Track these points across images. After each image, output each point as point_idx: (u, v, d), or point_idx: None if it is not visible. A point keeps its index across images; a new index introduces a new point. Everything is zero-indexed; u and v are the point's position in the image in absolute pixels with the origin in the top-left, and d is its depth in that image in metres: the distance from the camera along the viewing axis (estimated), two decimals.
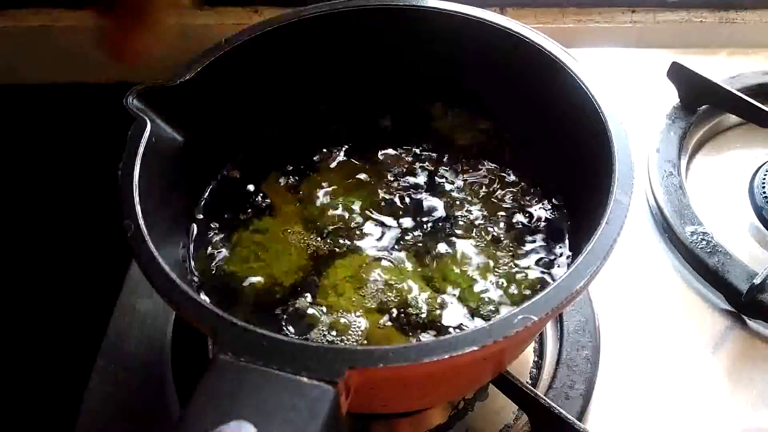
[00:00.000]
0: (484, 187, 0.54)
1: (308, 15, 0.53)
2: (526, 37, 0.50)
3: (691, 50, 0.79)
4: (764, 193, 0.65)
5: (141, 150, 0.42)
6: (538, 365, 0.56)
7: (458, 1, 0.54)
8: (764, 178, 0.66)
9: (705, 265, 0.59)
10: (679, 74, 0.70)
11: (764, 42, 0.82)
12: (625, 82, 0.77)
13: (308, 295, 0.47)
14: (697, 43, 0.82)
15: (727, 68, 0.74)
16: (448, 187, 0.54)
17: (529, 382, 0.54)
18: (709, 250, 0.60)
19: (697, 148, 0.72)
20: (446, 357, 0.33)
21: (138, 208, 0.39)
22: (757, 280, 0.56)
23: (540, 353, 0.56)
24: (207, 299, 0.47)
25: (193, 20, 0.80)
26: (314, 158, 0.56)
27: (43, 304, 0.86)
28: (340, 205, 0.52)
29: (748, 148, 0.71)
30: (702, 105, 0.71)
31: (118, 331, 0.59)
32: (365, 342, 0.45)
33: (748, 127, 0.70)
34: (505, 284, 0.47)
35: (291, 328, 0.46)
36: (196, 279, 0.49)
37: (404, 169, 0.55)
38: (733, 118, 0.72)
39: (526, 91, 0.52)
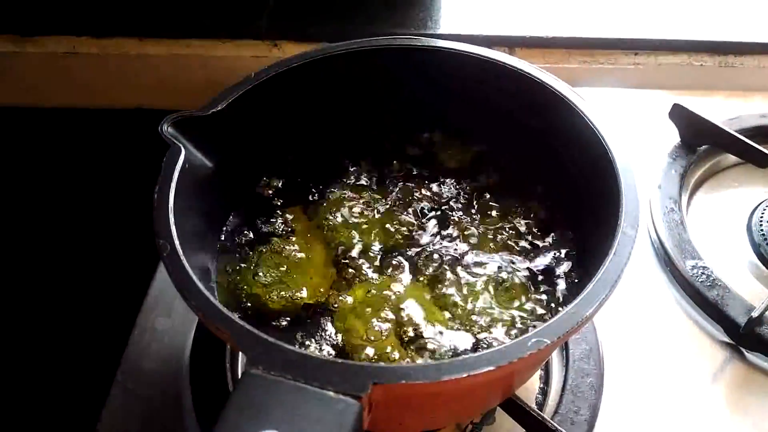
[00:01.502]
0: (494, 219, 0.56)
1: (330, 53, 0.56)
2: (537, 77, 0.53)
3: (691, 92, 0.82)
4: (762, 230, 0.67)
5: (176, 175, 0.45)
6: (544, 391, 0.57)
7: (470, 42, 0.57)
8: (762, 216, 0.69)
9: (705, 298, 0.61)
10: (680, 115, 0.73)
11: (762, 86, 0.84)
12: (628, 122, 0.79)
13: (327, 317, 0.50)
14: (698, 85, 0.84)
15: (726, 110, 0.77)
16: (459, 217, 0.56)
17: (536, 407, 0.56)
18: (708, 284, 0.62)
19: (698, 186, 0.74)
20: (465, 375, 0.35)
21: (173, 229, 0.42)
22: (755, 314, 0.58)
23: (546, 380, 0.58)
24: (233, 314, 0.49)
25: (213, 52, 0.83)
26: (334, 185, 0.59)
27: (64, 322, 0.87)
28: (359, 231, 0.55)
29: (746, 187, 0.74)
30: (702, 145, 0.73)
31: (137, 349, 0.61)
32: (381, 362, 0.47)
33: (746, 166, 0.73)
34: (513, 312, 0.50)
35: (311, 348, 0.48)
36: (219, 297, 0.51)
37: (420, 199, 0.57)
38: (731, 158, 0.74)
39: (537, 127, 0.55)
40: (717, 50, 0.85)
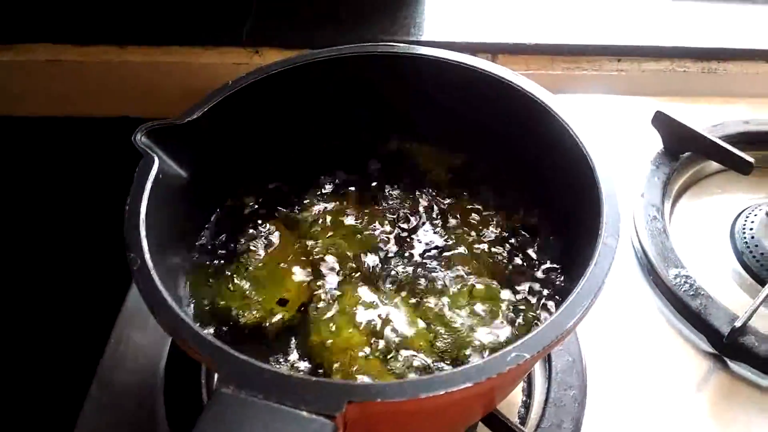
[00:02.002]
0: (474, 227, 0.55)
1: (310, 60, 0.55)
2: (516, 84, 0.52)
3: (674, 98, 0.82)
4: (745, 238, 0.67)
5: (148, 186, 0.44)
6: (527, 405, 0.57)
7: (453, 48, 0.56)
8: (745, 224, 0.68)
9: (688, 308, 0.61)
10: (662, 122, 0.73)
11: (745, 92, 0.84)
12: (611, 128, 0.79)
13: (304, 330, 0.48)
14: (681, 91, 0.84)
15: (709, 116, 0.77)
16: (439, 227, 0.55)
17: (518, 421, 0.55)
18: (692, 293, 0.61)
19: (681, 193, 0.74)
20: (442, 393, 0.34)
21: (144, 242, 0.41)
22: (738, 323, 0.57)
23: (528, 393, 0.57)
24: (208, 327, 0.48)
25: (195, 59, 0.82)
26: (312, 194, 0.57)
27: (38, 334, 0.86)
28: (337, 242, 0.54)
29: (729, 194, 0.74)
30: (685, 152, 0.73)
31: (112, 362, 0.60)
32: (361, 375, 0.46)
33: (729, 173, 0.72)
34: (494, 323, 0.49)
35: (286, 362, 0.47)
36: (193, 310, 0.50)
37: (399, 208, 0.56)
38: (714, 165, 0.74)
39: (518, 135, 0.54)
40: (700, 56, 0.85)
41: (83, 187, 0.89)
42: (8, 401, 0.81)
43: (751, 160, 0.68)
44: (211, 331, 0.48)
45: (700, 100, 0.83)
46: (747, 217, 0.69)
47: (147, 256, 0.40)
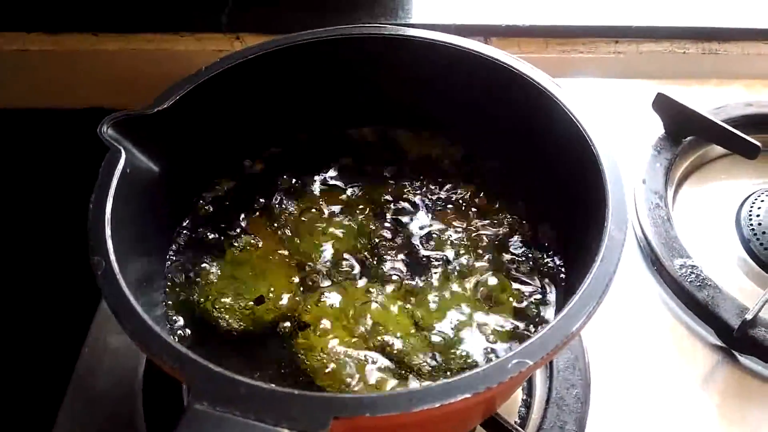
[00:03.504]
0: (473, 219, 0.52)
1: (288, 43, 0.52)
2: (515, 68, 0.50)
3: (674, 81, 0.79)
4: (751, 225, 0.64)
5: (114, 182, 0.41)
6: (527, 404, 0.54)
7: (444, 32, 0.53)
8: (751, 210, 0.66)
9: (695, 300, 0.58)
10: (664, 105, 0.70)
11: (746, 73, 0.82)
12: (609, 112, 0.76)
13: (289, 334, 0.45)
14: (681, 73, 0.82)
15: (710, 99, 0.74)
16: (435, 220, 0.52)
17: (518, 422, 0.52)
18: (698, 284, 0.58)
19: (683, 179, 0.71)
20: (437, 405, 0.31)
21: (110, 244, 0.37)
22: (749, 316, 0.55)
23: (529, 392, 0.54)
24: (185, 333, 0.45)
25: (173, 46, 0.79)
26: (295, 187, 0.54)
27: (9, 338, 0.83)
28: (324, 238, 0.51)
29: (734, 179, 0.71)
30: (687, 136, 0.70)
31: (88, 367, 0.57)
32: (347, 381, 0.43)
33: (734, 158, 0.70)
34: (493, 321, 0.46)
35: (271, 368, 0.44)
36: (172, 314, 0.46)
37: (389, 202, 0.53)
38: (718, 149, 0.72)
39: (515, 121, 0.51)
40: (700, 37, 0.82)
41: (55, 183, 0.85)
42: None
43: (758, 144, 0.65)
44: (189, 335, 0.45)
45: (701, 82, 0.80)
46: (753, 203, 0.66)
47: (113, 258, 0.37)
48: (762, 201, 0.66)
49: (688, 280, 0.59)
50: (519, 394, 0.54)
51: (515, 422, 0.51)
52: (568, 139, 0.45)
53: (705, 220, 0.67)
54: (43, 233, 0.86)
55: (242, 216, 0.52)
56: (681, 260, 0.60)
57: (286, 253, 0.50)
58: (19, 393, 0.77)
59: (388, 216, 0.53)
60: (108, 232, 0.38)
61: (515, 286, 0.48)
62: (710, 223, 0.67)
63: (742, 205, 0.67)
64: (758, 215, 0.65)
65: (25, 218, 0.88)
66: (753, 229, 0.64)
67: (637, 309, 0.60)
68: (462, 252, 0.50)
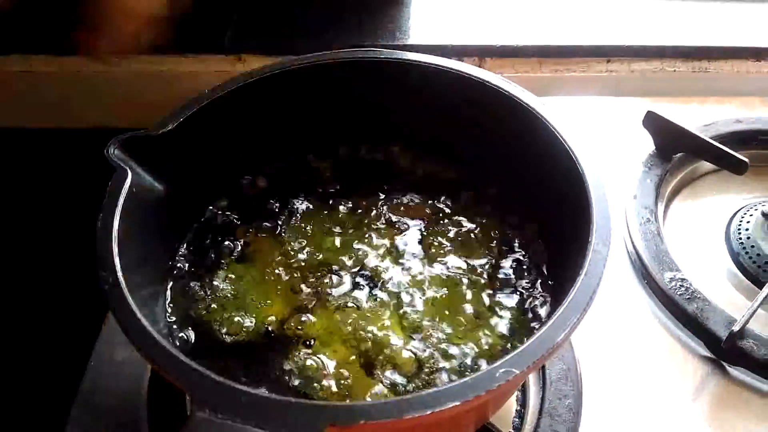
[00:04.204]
0: (462, 235, 0.54)
1: (290, 67, 0.53)
2: (503, 89, 0.51)
3: (665, 99, 0.80)
4: (740, 239, 0.66)
5: (121, 201, 0.42)
6: (521, 414, 0.55)
7: (440, 52, 0.55)
8: (740, 225, 0.67)
9: (684, 312, 0.59)
10: (654, 123, 0.72)
11: (736, 91, 0.83)
12: (601, 130, 0.78)
13: (288, 343, 0.47)
14: (672, 91, 0.83)
15: (700, 116, 0.76)
16: (427, 234, 0.54)
17: None
18: (687, 297, 0.60)
19: (674, 195, 0.73)
20: (428, 413, 0.33)
21: (116, 260, 0.39)
22: (736, 327, 0.56)
23: (523, 402, 0.55)
24: (187, 346, 0.46)
25: (176, 67, 0.80)
26: (295, 206, 0.56)
27: (18, 352, 0.84)
28: (322, 252, 0.52)
29: (723, 194, 0.72)
30: (677, 152, 0.72)
31: (94, 381, 0.58)
32: (345, 393, 0.44)
33: (723, 174, 0.71)
34: (483, 334, 0.47)
35: (271, 378, 0.45)
36: (175, 327, 0.48)
37: (383, 217, 0.55)
38: (707, 165, 0.73)
39: (503, 142, 0.53)
40: (690, 56, 0.84)
41: (61, 201, 0.87)
42: None
43: (746, 159, 0.67)
44: (192, 347, 0.47)
45: (691, 100, 0.82)
46: (742, 217, 0.68)
47: (119, 274, 0.39)
48: (751, 215, 0.67)
49: (678, 293, 0.60)
50: (513, 404, 0.56)
51: None
52: (555, 157, 0.47)
53: (695, 234, 0.69)
54: (49, 250, 0.87)
55: (244, 232, 0.54)
56: (671, 273, 0.62)
57: (286, 268, 0.51)
58: (27, 406, 0.78)
59: (384, 234, 0.54)
60: (115, 247, 0.40)
61: (506, 301, 0.49)
62: (700, 237, 0.68)
63: (731, 219, 0.69)
64: (747, 229, 0.66)
65: (30, 235, 0.89)
66: (742, 243, 0.66)
67: (627, 321, 0.62)
68: (452, 266, 0.51)
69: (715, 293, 0.62)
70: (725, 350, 0.57)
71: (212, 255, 0.52)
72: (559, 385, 0.55)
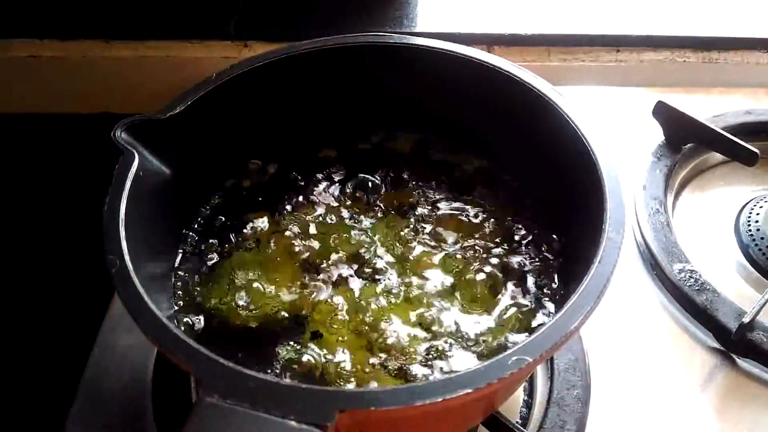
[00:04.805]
0: (475, 221, 0.53)
1: (297, 51, 0.53)
2: (516, 75, 0.51)
3: (675, 89, 0.80)
4: (750, 231, 0.65)
5: (128, 184, 0.42)
6: (529, 404, 0.55)
7: (448, 40, 0.54)
8: (749, 216, 0.67)
9: (693, 303, 0.59)
10: (663, 113, 0.71)
11: (746, 81, 0.83)
12: (610, 120, 0.77)
13: (297, 331, 0.46)
14: (681, 82, 0.83)
15: (710, 107, 0.75)
16: (438, 222, 0.53)
17: (519, 422, 0.53)
18: (697, 288, 0.59)
19: (683, 186, 0.72)
20: (440, 400, 0.32)
21: (124, 244, 0.39)
22: (746, 319, 0.56)
23: (530, 392, 0.55)
24: (194, 330, 0.46)
25: (181, 53, 0.80)
26: (305, 189, 0.55)
27: (21, 338, 0.84)
28: (333, 239, 0.52)
29: (733, 186, 0.72)
30: (687, 143, 0.71)
31: (98, 368, 0.58)
32: (354, 381, 0.44)
33: (733, 165, 0.71)
34: (496, 322, 0.47)
35: (279, 365, 0.45)
36: (181, 312, 0.48)
37: (396, 205, 0.54)
38: (717, 156, 0.72)
39: (516, 128, 0.52)
40: (700, 46, 0.83)
41: (67, 186, 0.87)
42: None
43: (757, 151, 0.66)
44: (199, 333, 0.46)
45: (701, 91, 0.81)
46: (752, 209, 0.67)
47: (127, 257, 0.38)
48: (761, 207, 0.67)
49: (687, 284, 0.60)
50: (520, 395, 0.55)
51: (517, 422, 0.52)
52: (568, 144, 0.46)
53: (704, 225, 0.68)
54: (54, 235, 0.87)
55: (251, 217, 0.53)
56: (680, 265, 0.61)
57: (294, 255, 0.51)
58: (30, 392, 0.78)
59: (393, 222, 0.53)
60: (122, 231, 0.39)
61: (518, 289, 0.49)
62: (709, 228, 0.68)
63: (740, 211, 0.68)
64: (757, 221, 0.66)
65: (36, 220, 0.89)
66: (752, 235, 0.65)
67: (636, 312, 0.61)
68: (464, 254, 0.51)
69: (725, 285, 0.61)
70: (735, 342, 0.57)
71: (219, 240, 0.52)
72: (567, 375, 0.55)
